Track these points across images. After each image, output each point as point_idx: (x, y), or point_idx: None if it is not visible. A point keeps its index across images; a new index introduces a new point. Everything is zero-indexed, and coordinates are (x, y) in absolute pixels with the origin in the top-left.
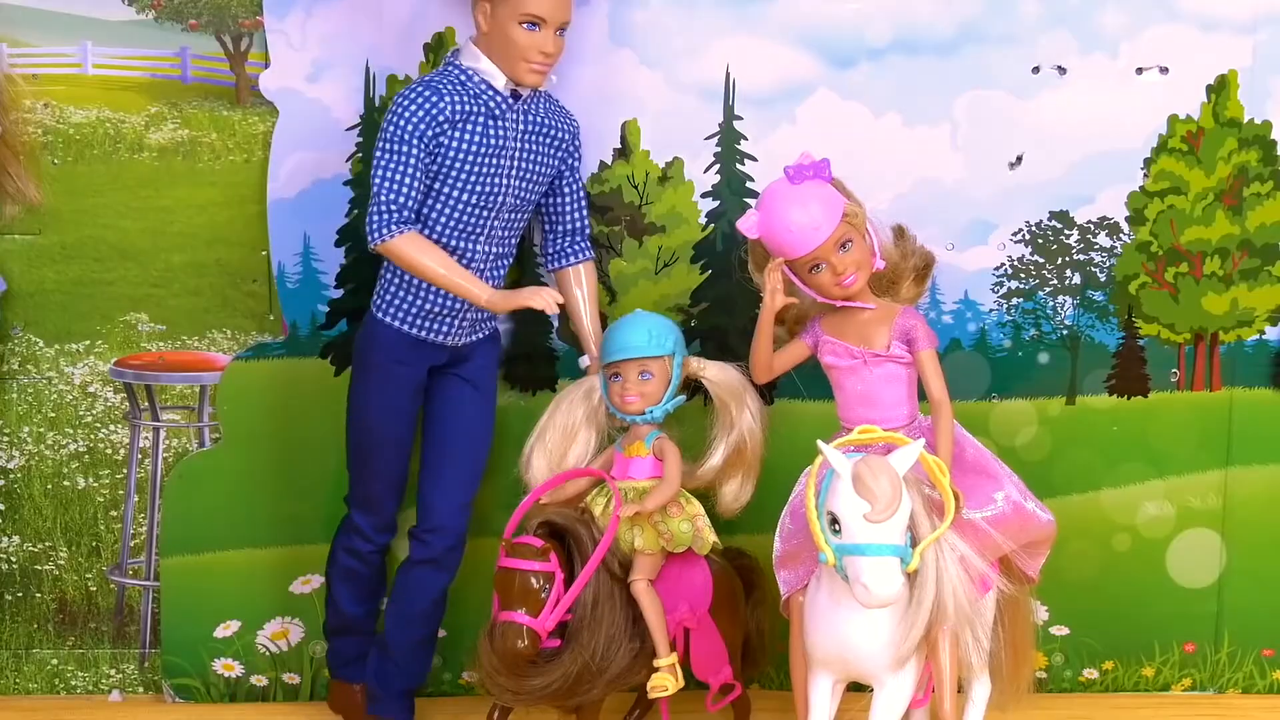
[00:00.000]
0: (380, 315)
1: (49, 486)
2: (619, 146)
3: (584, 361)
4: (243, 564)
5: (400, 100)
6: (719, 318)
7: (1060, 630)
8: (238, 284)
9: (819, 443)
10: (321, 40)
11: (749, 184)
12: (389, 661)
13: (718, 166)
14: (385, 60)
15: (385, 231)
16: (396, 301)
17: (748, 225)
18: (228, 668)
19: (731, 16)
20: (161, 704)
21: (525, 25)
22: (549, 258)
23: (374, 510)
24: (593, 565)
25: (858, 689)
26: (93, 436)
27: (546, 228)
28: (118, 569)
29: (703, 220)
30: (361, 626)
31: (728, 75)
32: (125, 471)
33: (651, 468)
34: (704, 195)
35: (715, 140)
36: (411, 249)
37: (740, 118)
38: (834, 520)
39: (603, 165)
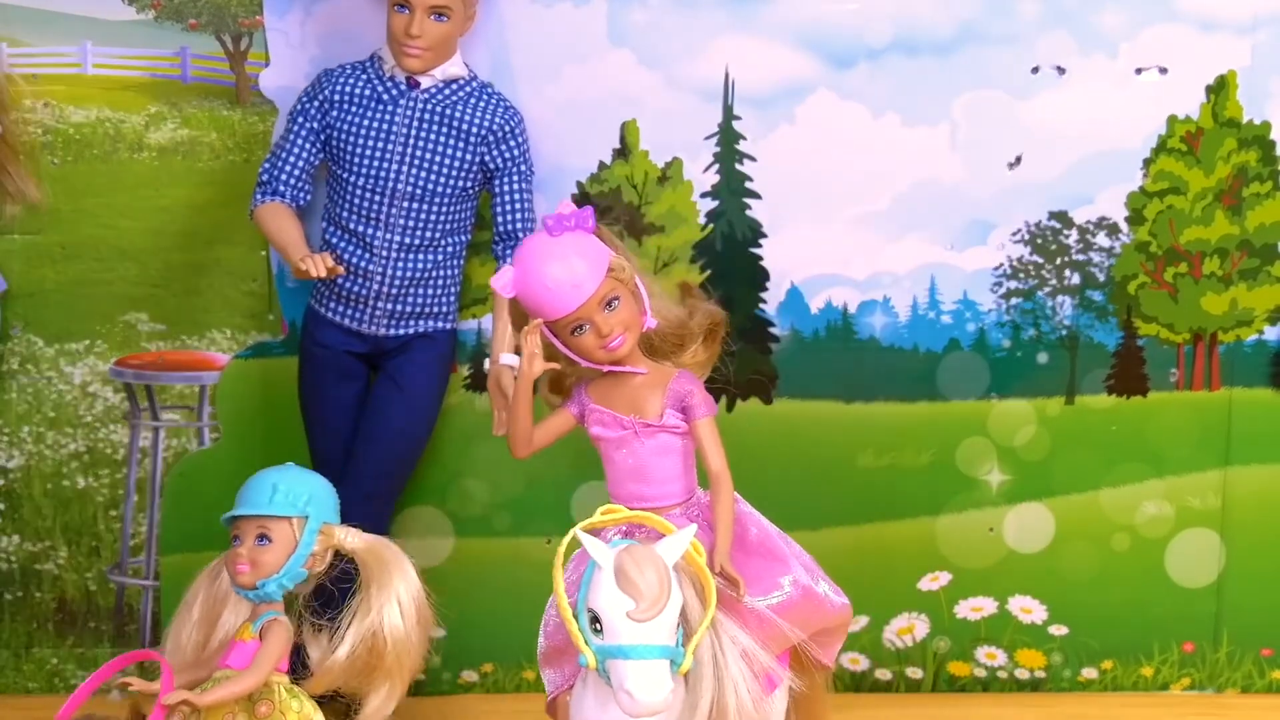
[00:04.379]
0: (309, 298)
1: (49, 486)
2: (618, 147)
3: (486, 364)
4: None
5: None
6: None
7: (1059, 630)
8: (237, 283)
9: (576, 530)
10: (321, 39)
11: (748, 184)
12: None
13: (717, 166)
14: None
15: (252, 202)
16: (314, 282)
17: (501, 283)
18: None
19: (730, 16)
20: None
21: (396, 8)
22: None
23: None
24: None
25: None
26: (92, 436)
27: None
28: (117, 568)
29: (702, 220)
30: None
31: (727, 75)
32: (125, 471)
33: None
34: (703, 195)
35: (714, 140)
36: (264, 217)
37: (739, 118)
38: (595, 619)
39: (602, 165)
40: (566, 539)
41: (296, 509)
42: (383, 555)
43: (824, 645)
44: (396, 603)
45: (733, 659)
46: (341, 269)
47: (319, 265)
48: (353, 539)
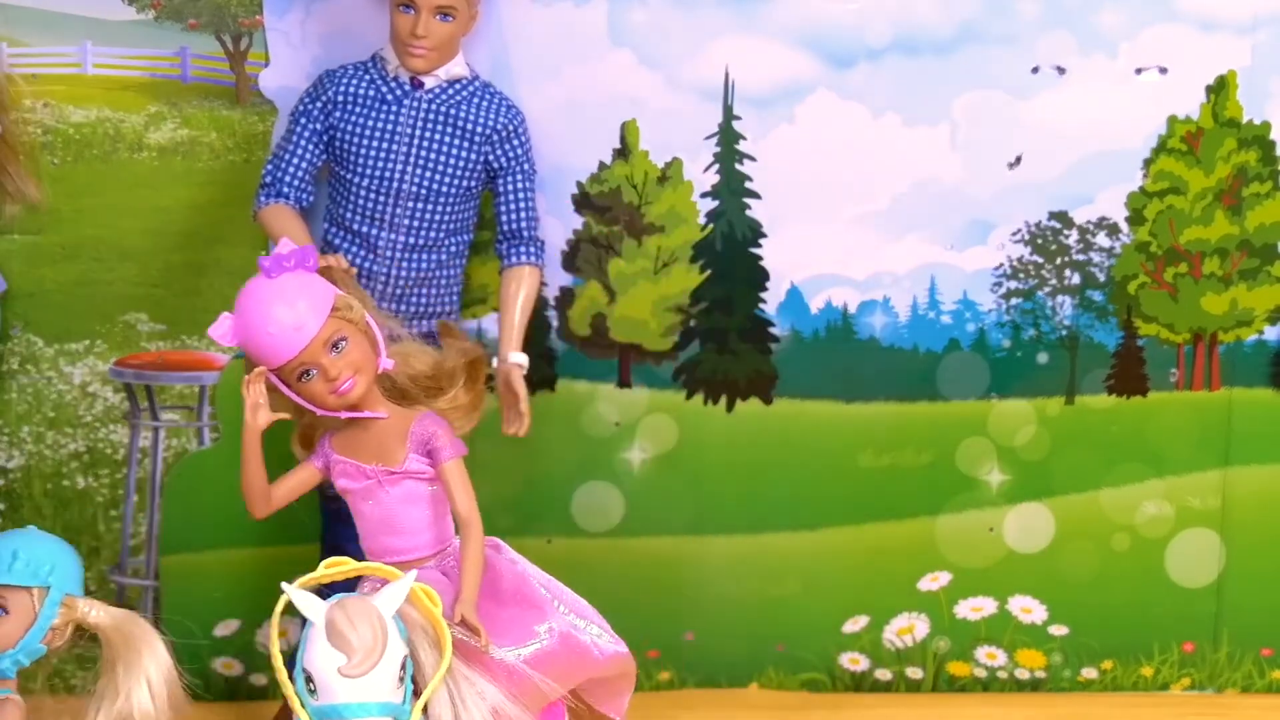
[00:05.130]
0: None
1: (49, 486)
2: (618, 147)
3: (494, 363)
4: (242, 562)
5: None
6: (718, 318)
7: (1059, 630)
8: (237, 283)
9: (284, 585)
10: (321, 38)
11: (748, 184)
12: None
13: (717, 166)
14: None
15: (256, 204)
16: None
17: (220, 332)
18: (227, 666)
19: (731, 16)
20: None
21: (401, 9)
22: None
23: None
24: None
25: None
26: (92, 436)
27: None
28: (118, 569)
29: (702, 220)
30: None
31: (727, 75)
32: (125, 471)
33: None
34: (703, 195)
35: (714, 140)
36: (269, 219)
37: (739, 118)
38: (310, 678)
39: (602, 165)
40: (283, 600)
41: (38, 579)
42: (130, 632)
43: (607, 696)
44: (146, 684)
45: (478, 715)
46: (355, 270)
47: (335, 261)
48: (97, 613)
